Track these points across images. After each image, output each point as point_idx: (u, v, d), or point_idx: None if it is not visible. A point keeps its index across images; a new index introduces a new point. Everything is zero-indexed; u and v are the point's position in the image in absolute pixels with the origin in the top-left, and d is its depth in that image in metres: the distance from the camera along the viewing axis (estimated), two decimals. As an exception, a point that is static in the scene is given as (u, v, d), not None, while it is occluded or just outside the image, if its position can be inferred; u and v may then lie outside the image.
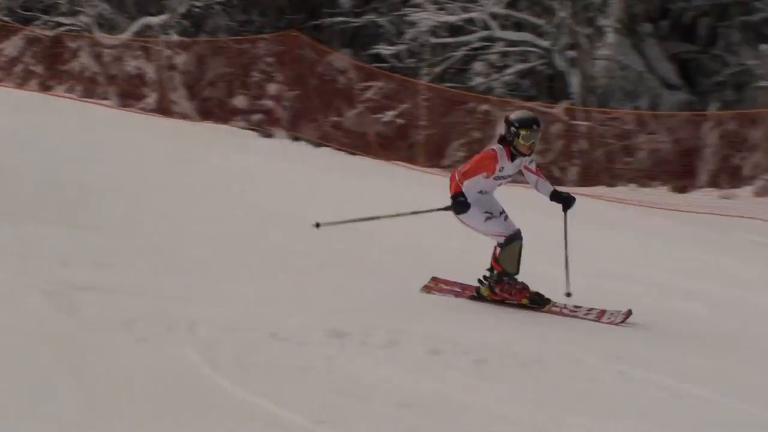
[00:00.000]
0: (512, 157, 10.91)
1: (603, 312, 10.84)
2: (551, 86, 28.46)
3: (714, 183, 25.10)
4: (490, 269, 11.27)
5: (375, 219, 11.44)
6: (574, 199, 11.22)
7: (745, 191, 24.70)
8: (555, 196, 11.19)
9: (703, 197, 24.00)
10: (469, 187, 10.83)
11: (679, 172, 25.21)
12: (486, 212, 10.97)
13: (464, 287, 11.60)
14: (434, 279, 11.71)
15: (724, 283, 13.59)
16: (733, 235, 19.81)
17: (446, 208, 10.88)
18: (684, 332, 11.13)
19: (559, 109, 26.48)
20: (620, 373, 9.07)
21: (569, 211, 11.17)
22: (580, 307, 10.94)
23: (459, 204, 10.68)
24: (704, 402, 8.38)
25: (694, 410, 8.15)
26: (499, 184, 11.14)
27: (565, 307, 10.99)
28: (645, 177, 25.21)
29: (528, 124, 10.80)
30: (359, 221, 11.57)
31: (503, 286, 11.13)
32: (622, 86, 27.60)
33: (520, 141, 10.75)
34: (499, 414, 7.62)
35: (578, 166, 26.05)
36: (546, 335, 10.25)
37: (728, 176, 25.17)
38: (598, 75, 27.60)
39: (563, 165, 26.11)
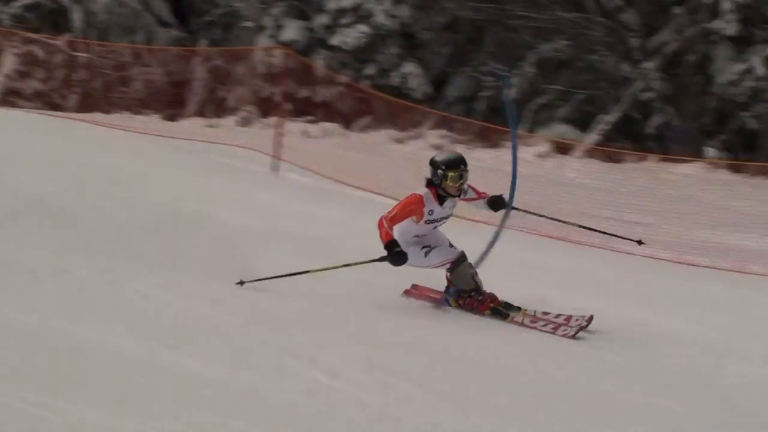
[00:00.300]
0: (441, 200, 9.85)
1: (569, 318, 9.81)
2: (55, 20, 28.15)
3: (201, 113, 26.11)
4: (447, 287, 10.33)
5: (304, 273, 10.02)
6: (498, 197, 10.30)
7: (229, 121, 25.81)
8: (492, 204, 10.27)
9: (192, 125, 24.90)
10: (403, 232, 9.79)
11: (170, 102, 25.83)
12: (424, 247, 9.97)
13: (439, 294, 10.62)
14: (414, 286, 10.75)
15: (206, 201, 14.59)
16: (212, 159, 20.86)
17: (382, 259, 9.75)
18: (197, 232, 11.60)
19: (61, 41, 26.27)
20: (110, 282, 9.34)
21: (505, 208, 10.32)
22: (548, 313, 9.95)
23: (396, 256, 9.62)
24: (165, 304, 8.91)
25: (170, 313, 8.66)
26: (434, 227, 10.06)
27: (534, 315, 9.94)
28: (139, 106, 25.49)
29: (455, 165, 9.76)
30: (285, 276, 10.04)
31: (464, 300, 10.15)
32: (120, 22, 27.77)
33: (449, 183, 9.72)
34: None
35: (78, 94, 25.98)
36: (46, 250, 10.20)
37: (214, 107, 26.25)
38: (99, 11, 27.56)
39: (64, 93, 26.07)
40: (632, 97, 25.64)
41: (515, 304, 9.98)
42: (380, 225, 9.66)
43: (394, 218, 9.64)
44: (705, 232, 17.20)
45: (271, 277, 9.94)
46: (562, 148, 23.83)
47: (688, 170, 22.45)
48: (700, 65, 25.82)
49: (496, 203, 10.19)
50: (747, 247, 16.45)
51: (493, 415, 6.74)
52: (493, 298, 10.03)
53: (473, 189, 10.13)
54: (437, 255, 9.95)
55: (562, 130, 25.63)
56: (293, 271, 9.95)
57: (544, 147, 24.03)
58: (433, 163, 9.80)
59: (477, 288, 10.00)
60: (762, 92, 24.93)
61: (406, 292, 10.60)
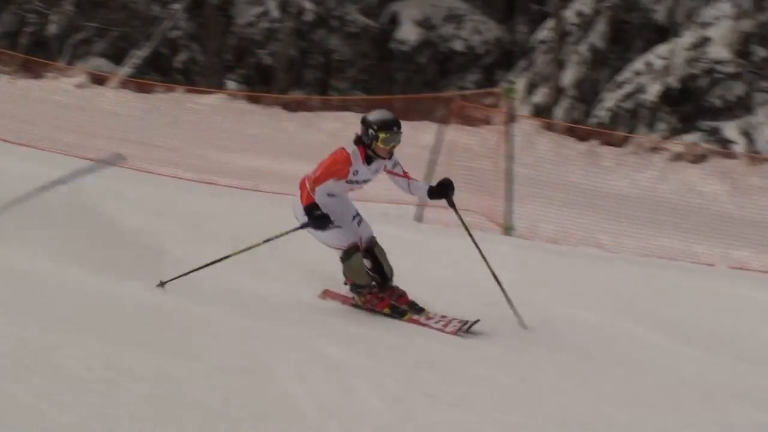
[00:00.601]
0: (368, 161, 8.47)
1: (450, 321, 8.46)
2: None
3: None
4: (345, 281, 8.87)
5: (225, 258, 8.48)
6: (452, 184, 8.74)
7: None
8: (433, 192, 8.69)
9: None
10: (319, 191, 8.45)
11: None
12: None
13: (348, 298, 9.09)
14: (326, 290, 9.17)
15: None
16: None
17: (303, 226, 8.44)
18: None
19: None
20: None
21: (453, 199, 8.75)
22: (446, 316, 8.54)
23: (318, 219, 8.32)
24: None
25: None
26: (351, 189, 8.67)
27: (434, 316, 8.56)
28: None
29: (388, 126, 8.36)
30: (206, 267, 8.45)
31: (364, 297, 8.75)
32: None
33: (379, 144, 8.36)
34: None
35: None
36: None
37: None
38: None
39: None
40: (162, 35, 25.98)
41: (420, 305, 8.69)
42: (302, 186, 8.48)
43: (318, 179, 8.38)
44: (226, 155, 17.94)
45: (193, 270, 8.44)
46: (99, 80, 23.84)
47: (211, 101, 23.14)
48: (222, 7, 26.61)
49: (435, 191, 8.68)
50: (262, 168, 17.25)
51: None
52: (401, 295, 8.76)
53: (400, 165, 8.72)
54: (333, 236, 8.60)
55: (98, 63, 25.72)
56: (210, 261, 8.51)
57: (82, 78, 23.98)
58: (364, 122, 8.49)
59: (372, 284, 8.72)
60: (276, 32, 26.06)
61: (325, 293, 9.18)
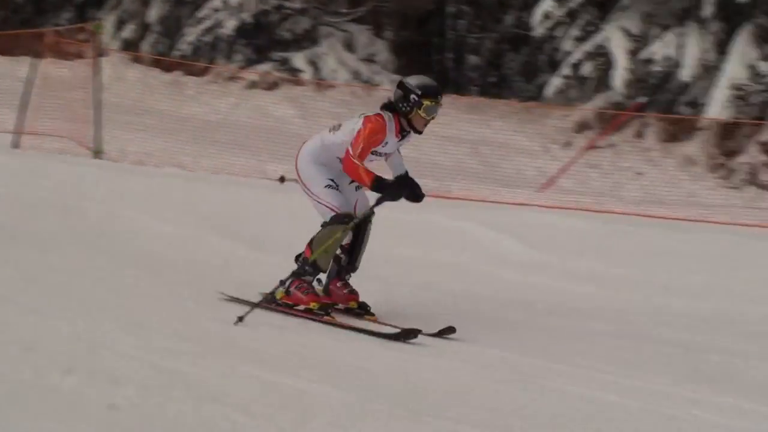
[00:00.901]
0: (401, 133, 6.86)
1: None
2: None
3: None
4: (301, 254, 7.02)
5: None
6: (422, 195, 6.94)
7: None
8: (399, 178, 6.98)
9: None
10: (327, 148, 6.94)
11: None
12: (330, 179, 6.92)
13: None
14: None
15: None
16: None
17: (379, 202, 6.74)
18: None
19: None
20: None
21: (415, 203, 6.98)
22: (395, 327, 6.73)
23: (393, 188, 6.71)
24: None
25: None
26: (370, 161, 6.85)
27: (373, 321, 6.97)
28: None
29: (433, 93, 6.73)
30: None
31: (297, 284, 6.91)
32: None
33: (420, 113, 6.71)
34: None
35: None
36: None
37: None
38: None
39: None
40: None
41: (370, 308, 7.16)
42: (352, 166, 6.74)
43: (362, 154, 6.73)
44: None
45: (259, 303, 6.75)
46: None
47: None
48: None
49: (402, 179, 7.06)
50: None
51: None
52: (352, 292, 7.20)
53: None
54: (333, 196, 6.95)
55: None
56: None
57: None
58: (403, 86, 6.85)
59: (320, 274, 7.08)
60: None
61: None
